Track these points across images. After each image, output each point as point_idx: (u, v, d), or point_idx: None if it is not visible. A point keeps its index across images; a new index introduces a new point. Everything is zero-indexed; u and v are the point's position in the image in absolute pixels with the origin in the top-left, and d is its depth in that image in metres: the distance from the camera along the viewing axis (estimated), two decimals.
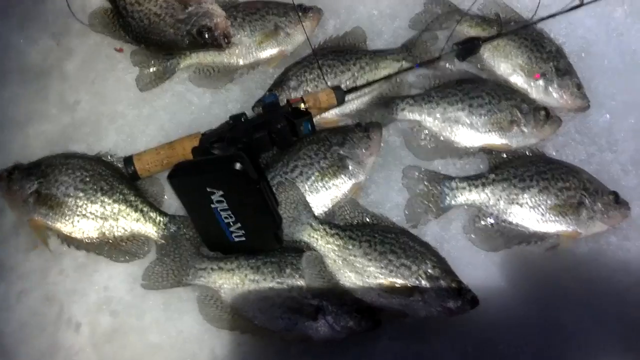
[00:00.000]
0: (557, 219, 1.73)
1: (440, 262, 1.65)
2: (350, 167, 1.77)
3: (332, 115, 1.86)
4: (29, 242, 1.78)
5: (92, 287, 1.74)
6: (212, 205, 1.55)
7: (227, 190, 1.52)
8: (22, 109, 1.93)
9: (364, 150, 1.78)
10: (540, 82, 1.89)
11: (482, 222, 1.76)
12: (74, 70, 1.98)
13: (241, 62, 1.95)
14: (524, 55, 1.90)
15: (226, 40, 1.85)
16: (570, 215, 1.73)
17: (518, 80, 1.91)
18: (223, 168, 1.51)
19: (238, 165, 1.48)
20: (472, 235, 1.76)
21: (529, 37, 1.92)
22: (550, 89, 1.88)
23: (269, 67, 1.96)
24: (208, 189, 1.53)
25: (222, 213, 1.56)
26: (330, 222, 1.72)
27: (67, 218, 1.71)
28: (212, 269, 1.67)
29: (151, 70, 1.93)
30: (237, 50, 1.93)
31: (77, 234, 1.72)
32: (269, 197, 1.60)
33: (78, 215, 1.72)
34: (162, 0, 1.86)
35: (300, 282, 1.62)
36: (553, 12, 1.90)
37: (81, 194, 1.72)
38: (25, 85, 1.96)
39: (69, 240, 1.73)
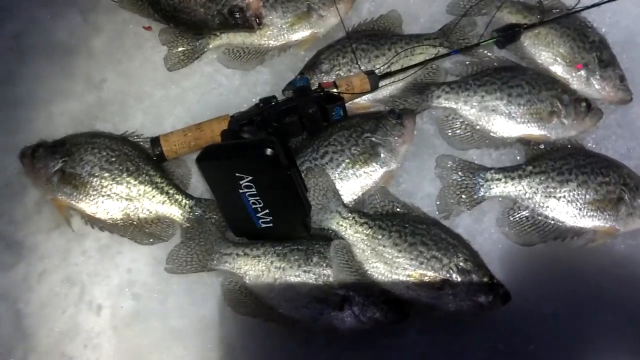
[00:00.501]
0: (595, 214, 1.67)
1: (472, 256, 1.60)
2: (382, 155, 1.72)
3: (364, 101, 1.81)
4: (51, 222, 1.75)
5: (115, 269, 1.71)
6: (240, 191, 1.51)
7: (256, 176, 1.48)
8: (47, 86, 1.90)
9: (396, 138, 1.73)
10: (582, 72, 1.82)
11: (517, 215, 1.70)
12: (101, 47, 1.94)
13: (272, 44, 1.90)
14: (566, 45, 1.83)
15: (258, 21, 1.81)
16: (609, 210, 1.66)
17: (559, 70, 1.84)
18: (254, 153, 1.47)
19: (269, 151, 1.44)
20: (506, 229, 1.70)
21: (571, 25, 1.85)
22: (592, 80, 1.82)
23: (301, 50, 1.91)
24: (237, 174, 1.48)
25: (250, 198, 1.52)
26: (360, 210, 1.68)
27: (91, 198, 1.68)
28: (237, 254, 1.63)
29: (180, 49, 1.89)
30: (268, 32, 1.89)
31: (101, 215, 1.69)
32: (299, 184, 1.56)
33: (103, 196, 1.68)
34: None
35: (327, 271, 1.58)
36: (597, 1, 1.82)
37: (106, 174, 1.69)
38: (51, 62, 1.93)
39: (92, 221, 1.70)
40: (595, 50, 1.83)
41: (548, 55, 1.85)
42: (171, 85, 1.89)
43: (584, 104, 1.76)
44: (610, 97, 1.82)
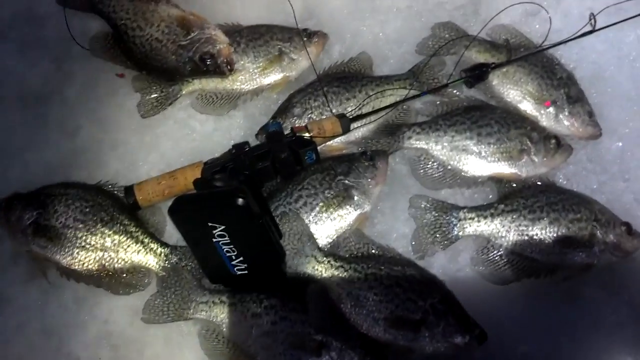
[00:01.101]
0: (568, 251, 1.68)
1: (448, 296, 1.61)
2: (355, 197, 1.73)
3: (337, 143, 1.82)
4: (27, 273, 1.75)
5: (92, 320, 1.71)
6: (214, 239, 1.51)
7: (229, 225, 1.49)
8: (21, 135, 1.91)
9: (369, 180, 1.74)
10: (551, 109, 1.84)
11: (491, 254, 1.71)
12: (74, 95, 1.95)
13: (245, 88, 1.92)
14: (534, 82, 1.86)
15: (229, 67, 1.82)
16: (582, 247, 1.68)
17: (528, 107, 1.86)
18: (225, 203, 1.47)
19: (240, 201, 1.45)
20: (481, 268, 1.71)
21: (539, 63, 1.88)
22: (561, 116, 1.84)
23: (273, 93, 1.93)
24: (210, 224, 1.49)
25: (224, 247, 1.53)
26: (335, 254, 1.68)
27: (66, 250, 1.68)
28: (213, 302, 1.63)
29: (153, 96, 1.90)
30: (240, 77, 1.90)
31: (76, 266, 1.69)
32: (272, 231, 1.56)
33: (77, 247, 1.68)
34: (164, 25, 1.83)
35: (304, 317, 1.58)
36: (564, 38, 1.85)
37: (81, 225, 1.69)
38: (25, 111, 1.94)
39: (68, 273, 1.70)
40: (563, 87, 1.85)
41: (516, 93, 1.87)
42: (145, 132, 1.90)
43: (553, 140, 1.78)
44: (580, 132, 1.84)
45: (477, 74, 1.84)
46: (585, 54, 1.95)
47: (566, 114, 1.83)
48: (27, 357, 1.68)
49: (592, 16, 1.83)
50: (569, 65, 1.93)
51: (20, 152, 1.89)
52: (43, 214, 1.70)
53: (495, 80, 1.88)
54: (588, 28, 1.84)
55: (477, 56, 1.93)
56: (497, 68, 1.85)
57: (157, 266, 1.70)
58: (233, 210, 1.47)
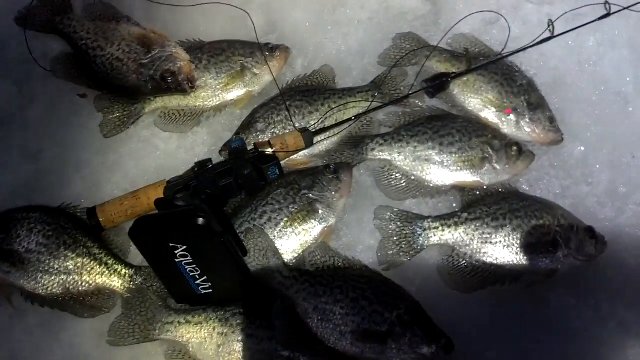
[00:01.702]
0: (532, 257, 1.69)
1: (414, 307, 1.61)
2: (320, 211, 1.73)
3: (301, 157, 1.82)
4: None
5: (58, 344, 1.70)
6: (176, 260, 1.52)
7: (190, 245, 1.49)
8: None
9: (334, 193, 1.75)
10: (512, 117, 1.86)
11: (456, 263, 1.72)
12: (36, 117, 1.94)
13: (208, 105, 1.92)
14: (494, 90, 1.87)
15: (190, 85, 1.83)
16: (546, 253, 1.69)
17: (489, 115, 1.88)
18: (185, 223, 1.48)
19: (201, 220, 1.45)
20: (447, 276, 1.72)
21: (499, 71, 1.89)
22: (522, 123, 1.85)
23: (237, 109, 1.93)
24: (171, 244, 1.49)
25: (186, 267, 1.53)
26: (301, 268, 1.69)
27: (29, 274, 1.68)
28: (179, 322, 1.62)
29: (115, 115, 1.89)
30: (203, 93, 1.90)
31: (40, 291, 1.68)
32: (235, 249, 1.56)
33: (41, 272, 1.67)
34: (125, 44, 1.83)
35: (271, 333, 1.57)
36: (523, 45, 1.86)
37: (44, 249, 1.68)
38: None
39: (32, 297, 1.69)
40: (523, 94, 1.87)
41: (477, 101, 1.88)
42: (109, 152, 1.90)
43: (515, 148, 1.79)
44: (542, 139, 1.85)
45: (438, 84, 1.85)
46: (546, 60, 1.96)
47: (527, 120, 1.85)
48: None
49: (551, 22, 1.84)
50: (529, 72, 1.94)
51: None
52: (6, 239, 1.69)
53: (457, 89, 1.90)
54: (547, 34, 1.85)
55: (438, 66, 1.94)
56: (457, 77, 1.87)
57: (122, 287, 1.69)
58: (194, 230, 1.47)
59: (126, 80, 1.84)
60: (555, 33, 1.85)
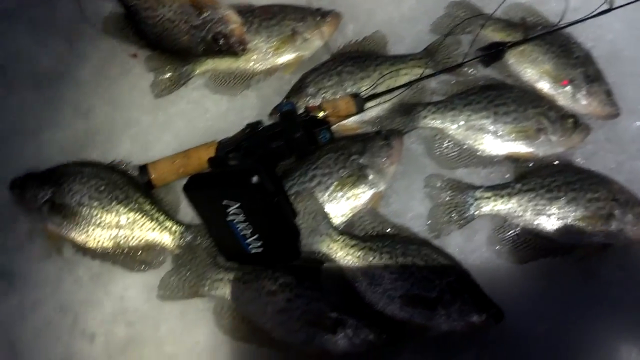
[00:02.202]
0: (585, 230, 1.66)
1: (464, 275, 1.60)
2: (370, 176, 1.72)
3: (351, 123, 1.80)
4: (43, 250, 1.74)
5: (108, 297, 1.70)
6: (229, 218, 1.51)
7: (243, 203, 1.48)
8: (35, 116, 1.90)
9: (384, 159, 1.73)
10: (568, 88, 1.82)
11: (508, 234, 1.70)
12: (87, 76, 1.94)
13: (258, 68, 1.90)
14: (551, 61, 1.84)
15: (242, 47, 1.82)
16: (600, 226, 1.66)
17: (545, 86, 1.84)
18: (240, 181, 1.47)
19: (255, 179, 1.44)
20: (498, 247, 1.70)
21: (556, 42, 1.85)
22: (578, 95, 1.82)
23: (286, 73, 1.92)
24: (224, 202, 1.49)
25: (238, 225, 1.52)
26: (350, 233, 1.68)
27: (81, 227, 1.68)
28: (228, 279, 1.63)
29: (166, 76, 1.89)
30: (253, 56, 1.89)
31: (91, 244, 1.69)
32: (287, 209, 1.56)
33: (92, 225, 1.68)
34: (177, 5, 1.82)
35: (319, 294, 1.58)
36: (581, 17, 1.81)
37: (96, 203, 1.69)
38: (38, 92, 1.92)
39: (83, 250, 1.70)
40: (580, 66, 1.83)
41: (533, 72, 1.85)
42: (158, 112, 1.89)
43: (570, 120, 1.76)
44: (598, 112, 1.82)
45: (493, 53, 1.82)
46: (603, 33, 1.92)
47: (584, 93, 1.81)
48: (43, 334, 1.68)
49: None
50: (586, 44, 1.90)
51: (34, 132, 1.88)
52: (58, 192, 1.70)
53: (512, 59, 1.86)
54: (605, 7, 1.80)
55: (492, 35, 1.90)
56: (513, 47, 1.83)
57: (172, 244, 1.70)
58: (248, 189, 1.46)
59: (178, 41, 1.83)
60: (614, 5, 1.81)
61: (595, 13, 1.81)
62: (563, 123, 1.76)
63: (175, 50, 1.87)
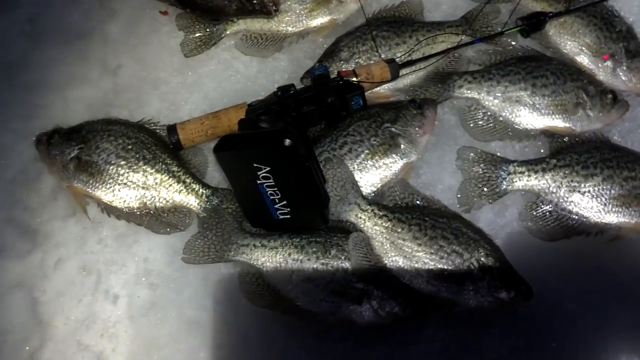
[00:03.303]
0: (620, 210, 1.62)
1: (494, 251, 1.57)
2: (402, 146, 1.68)
3: (385, 90, 1.77)
4: (67, 209, 1.73)
5: (132, 258, 1.69)
6: (258, 181, 1.48)
7: (274, 166, 1.45)
8: (62, 71, 1.87)
9: (417, 129, 1.69)
10: (609, 63, 1.77)
11: (540, 210, 1.66)
12: (116, 32, 1.91)
13: (290, 30, 1.86)
14: (592, 34, 1.78)
15: (275, 8, 1.78)
16: (635, 206, 1.62)
17: (585, 60, 1.79)
18: (272, 143, 1.43)
19: (288, 142, 1.41)
20: (529, 223, 1.66)
21: (598, 15, 1.80)
22: (618, 71, 1.76)
23: (319, 37, 1.87)
24: (255, 165, 1.45)
25: (267, 189, 1.49)
26: (379, 203, 1.65)
27: (107, 186, 1.67)
28: (254, 245, 1.61)
29: (197, 35, 1.86)
30: (286, 18, 1.85)
31: (117, 203, 1.67)
32: (317, 175, 1.53)
33: (119, 184, 1.66)
34: None
35: (346, 264, 1.56)
36: None
37: (123, 162, 1.67)
38: (66, 47, 1.90)
39: (108, 209, 1.68)
40: (622, 41, 1.77)
41: (574, 45, 1.80)
42: (188, 72, 1.86)
43: (610, 95, 1.71)
44: (637, 88, 1.77)
45: (533, 23, 1.76)
46: None
47: (624, 68, 1.76)
48: (66, 293, 1.67)
49: None
50: (628, 18, 1.84)
51: (61, 88, 1.86)
52: (85, 149, 1.68)
53: (552, 30, 1.81)
54: None
55: (533, 5, 1.85)
56: (554, 18, 1.77)
57: (199, 207, 1.68)
58: (280, 152, 1.43)
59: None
60: None
61: None
62: (602, 98, 1.71)
63: (207, 9, 1.82)
